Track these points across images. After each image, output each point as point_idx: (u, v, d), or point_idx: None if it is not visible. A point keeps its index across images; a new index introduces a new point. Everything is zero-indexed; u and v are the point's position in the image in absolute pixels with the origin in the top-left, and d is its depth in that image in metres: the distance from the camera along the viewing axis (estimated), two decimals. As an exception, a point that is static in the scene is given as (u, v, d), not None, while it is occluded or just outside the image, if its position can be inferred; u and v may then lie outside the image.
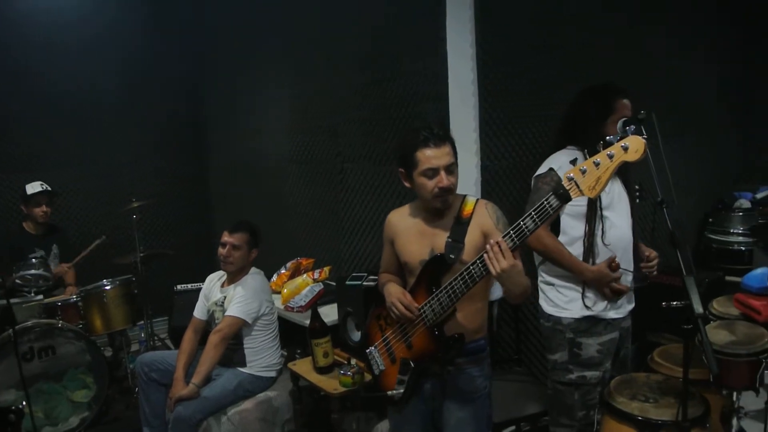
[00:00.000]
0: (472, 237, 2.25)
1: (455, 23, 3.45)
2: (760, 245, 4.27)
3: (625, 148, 1.81)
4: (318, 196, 4.67)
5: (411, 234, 2.36)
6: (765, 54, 5.15)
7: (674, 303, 2.04)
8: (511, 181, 3.54)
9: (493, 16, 3.46)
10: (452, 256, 2.22)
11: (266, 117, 5.25)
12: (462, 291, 2.11)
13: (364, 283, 3.42)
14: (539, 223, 1.95)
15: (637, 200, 2.80)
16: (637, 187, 2.81)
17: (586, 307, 2.63)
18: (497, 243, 1.97)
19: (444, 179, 2.19)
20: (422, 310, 2.22)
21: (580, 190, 1.85)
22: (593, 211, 2.60)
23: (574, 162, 2.52)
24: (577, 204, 2.58)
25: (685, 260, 1.99)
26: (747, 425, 3.03)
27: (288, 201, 5.05)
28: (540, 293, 2.80)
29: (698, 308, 1.90)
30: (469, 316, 2.28)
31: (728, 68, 5.16)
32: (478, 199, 2.34)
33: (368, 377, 2.73)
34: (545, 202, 1.92)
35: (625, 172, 2.70)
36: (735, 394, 2.51)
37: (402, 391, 2.28)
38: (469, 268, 2.07)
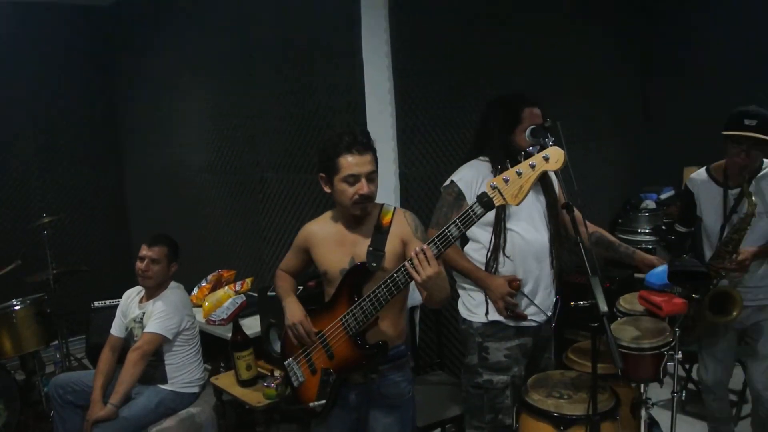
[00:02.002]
0: (392, 245, 2.29)
1: (370, 34, 3.49)
2: (662, 244, 4.53)
3: (546, 159, 1.90)
4: (238, 207, 4.62)
5: (330, 243, 2.37)
6: (660, 70, 5.48)
7: (581, 302, 2.14)
8: (428, 188, 3.61)
9: (407, 26, 3.53)
10: (374, 264, 2.25)
11: (184, 126, 5.16)
12: (386, 298, 2.13)
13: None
14: (464, 230, 2.01)
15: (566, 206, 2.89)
16: (555, 192, 2.89)
17: (488, 312, 2.70)
18: (422, 250, 2.01)
19: (365, 187, 2.22)
20: (344, 320, 2.23)
21: (504, 198, 1.92)
22: (499, 221, 2.66)
23: (474, 175, 2.61)
24: None
25: (590, 261, 2.09)
26: (657, 414, 3.20)
27: (208, 212, 4.96)
28: (459, 297, 2.86)
29: (603, 307, 1.99)
30: (389, 323, 2.32)
31: (633, 82, 5.45)
32: (395, 208, 2.38)
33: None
34: (470, 210, 1.98)
35: (542, 181, 2.76)
36: (642, 386, 2.63)
37: (323, 402, 2.29)
38: (393, 275, 2.10)
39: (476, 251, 2.73)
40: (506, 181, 1.90)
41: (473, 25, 3.84)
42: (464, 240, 2.76)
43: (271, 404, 3.13)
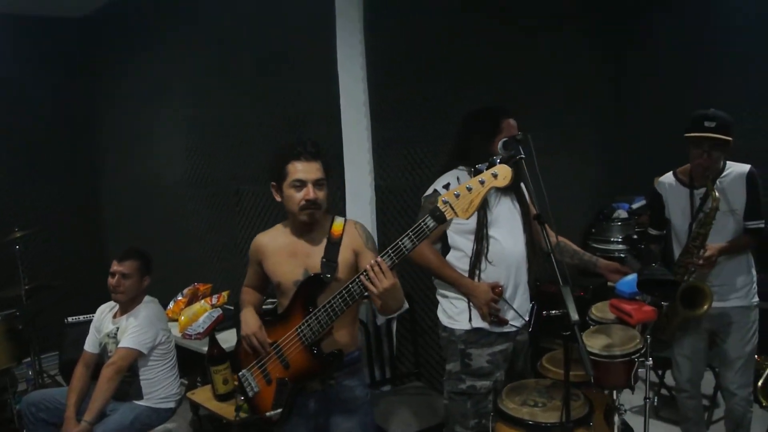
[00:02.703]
0: (344, 256, 2.35)
1: (346, 46, 3.53)
2: (632, 253, 4.59)
3: (495, 175, 1.97)
4: (214, 219, 4.61)
5: (282, 255, 2.41)
6: (633, 82, 5.59)
7: (553, 312, 2.18)
8: (404, 199, 3.63)
9: (382, 39, 3.56)
10: (328, 275, 2.30)
11: (160, 139, 5.14)
12: (341, 309, 2.18)
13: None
14: (416, 242, 2.06)
15: (538, 217, 2.94)
16: (528, 202, 2.94)
17: (471, 320, 2.73)
18: (377, 263, 2.06)
19: (311, 192, 2.28)
20: (300, 330, 2.27)
21: (455, 212, 1.98)
22: (480, 228, 2.71)
23: (447, 186, 2.64)
24: (464, 222, 2.70)
25: (560, 271, 2.13)
26: (631, 420, 3.25)
27: (184, 225, 4.94)
28: (438, 305, 2.89)
29: (574, 315, 2.04)
30: (343, 332, 2.37)
31: (607, 94, 5.55)
32: (346, 219, 2.44)
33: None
34: (422, 223, 2.03)
35: (518, 189, 2.82)
36: (615, 392, 2.67)
37: (280, 411, 2.32)
38: (348, 286, 2.15)
39: (458, 259, 2.77)
40: (457, 196, 1.97)
41: (448, 37, 3.89)
42: (446, 249, 2.80)
43: (248, 418, 3.12)
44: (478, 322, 2.72)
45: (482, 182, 1.96)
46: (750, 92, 4.82)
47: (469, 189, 1.96)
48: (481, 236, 2.71)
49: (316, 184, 2.31)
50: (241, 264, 4.34)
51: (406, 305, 3.56)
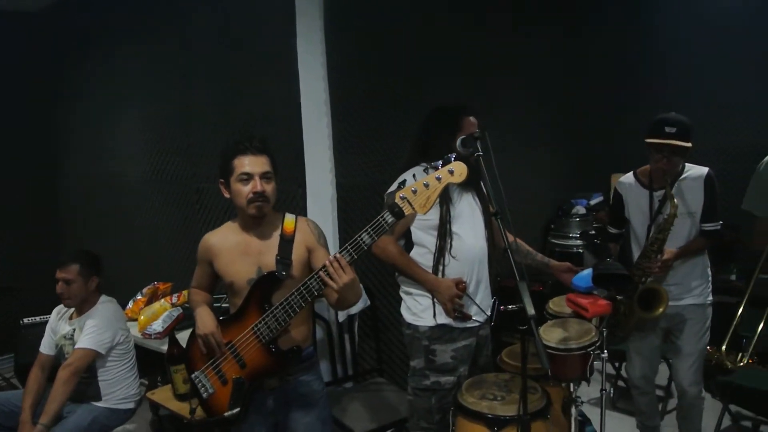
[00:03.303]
0: (298, 253, 2.36)
1: (306, 44, 3.53)
2: (590, 249, 4.70)
3: (451, 172, 2.01)
4: (175, 218, 4.55)
5: (234, 254, 2.40)
6: (589, 84, 5.71)
7: (510, 306, 2.22)
8: (366, 197, 3.65)
9: (343, 37, 3.57)
10: (283, 273, 2.31)
11: (119, 137, 5.05)
12: (300, 305, 2.19)
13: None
14: (375, 237, 2.08)
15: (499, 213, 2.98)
16: (487, 199, 2.98)
17: (436, 316, 2.76)
18: (336, 258, 2.08)
19: (258, 184, 2.28)
20: (256, 328, 2.27)
21: (413, 208, 2.01)
22: (444, 224, 2.75)
23: (403, 183, 2.66)
24: (427, 218, 2.73)
25: (517, 267, 2.17)
26: (589, 411, 3.33)
27: (144, 223, 4.87)
28: (402, 302, 2.91)
29: (530, 310, 2.07)
30: (299, 328, 2.38)
31: (565, 93, 5.64)
32: (297, 216, 2.45)
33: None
34: (381, 219, 2.06)
35: (478, 186, 2.86)
36: (572, 385, 2.73)
37: (238, 410, 2.32)
38: (306, 283, 2.16)
39: (422, 256, 2.80)
40: (415, 192, 2.00)
41: (409, 35, 3.92)
42: (409, 245, 2.83)
43: (206, 417, 3.09)
44: (443, 319, 2.76)
45: (439, 179, 2.00)
46: (703, 92, 4.97)
47: (426, 185, 2.00)
48: (444, 232, 2.75)
49: (263, 177, 2.31)
50: (202, 262, 4.30)
51: (368, 301, 3.58)
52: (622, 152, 5.48)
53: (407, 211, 2.02)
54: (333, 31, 3.53)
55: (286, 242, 2.36)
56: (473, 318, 2.80)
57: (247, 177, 2.29)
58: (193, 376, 2.46)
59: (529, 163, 5.15)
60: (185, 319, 3.87)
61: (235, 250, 2.40)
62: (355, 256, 2.10)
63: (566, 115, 5.70)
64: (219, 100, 4.02)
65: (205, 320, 2.38)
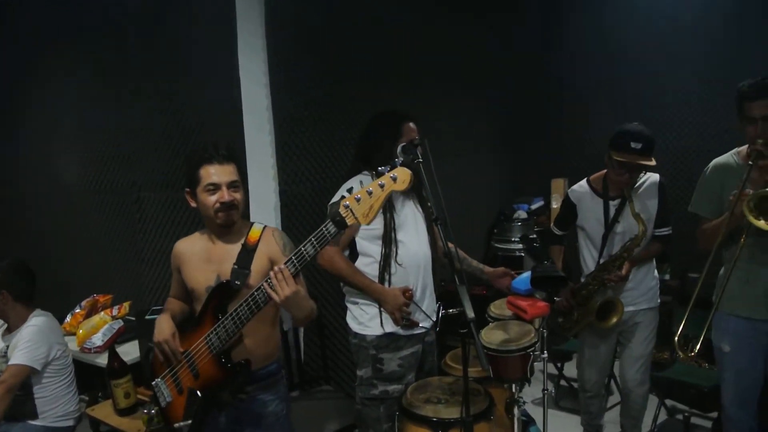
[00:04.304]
0: (258, 264, 2.31)
1: (248, 50, 3.51)
2: (530, 252, 4.81)
3: (394, 179, 1.98)
4: (114, 228, 4.44)
5: (197, 261, 2.38)
6: (531, 92, 5.83)
7: (451, 310, 2.25)
8: (310, 204, 3.65)
9: (284, 43, 3.57)
10: (238, 282, 2.26)
11: (57, 146, 4.89)
12: (247, 317, 2.14)
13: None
14: (318, 248, 2.04)
15: (438, 219, 3.01)
16: (428, 205, 3.02)
17: (383, 325, 2.78)
18: (280, 270, 2.04)
19: (225, 194, 2.26)
20: (208, 338, 2.23)
21: (356, 218, 1.98)
22: (388, 233, 2.77)
23: (350, 191, 2.67)
24: (372, 227, 2.75)
25: (457, 272, 2.21)
26: (533, 411, 3.39)
27: (83, 234, 4.73)
28: (348, 311, 2.92)
29: (470, 313, 2.10)
30: (258, 342, 2.33)
31: (506, 100, 5.75)
32: (265, 227, 2.41)
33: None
34: (324, 229, 2.02)
35: (419, 193, 2.90)
36: (514, 385, 2.78)
37: (189, 422, 2.26)
38: (253, 294, 2.12)
39: (367, 265, 2.80)
40: (358, 200, 1.97)
41: (352, 41, 3.93)
42: (354, 255, 2.83)
43: (161, 429, 3.04)
44: (390, 327, 2.78)
45: (382, 186, 1.98)
46: (648, 100, 5.16)
47: (370, 193, 1.97)
48: (389, 240, 2.76)
49: (231, 186, 2.28)
50: (142, 273, 4.22)
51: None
52: (562, 157, 5.66)
53: (350, 221, 1.98)
54: (275, 37, 3.52)
55: (248, 252, 2.32)
56: (420, 324, 2.82)
57: (214, 187, 2.26)
58: (153, 383, 2.41)
59: (473, 169, 5.23)
60: (126, 331, 3.79)
61: (199, 257, 2.37)
62: (300, 268, 2.06)
63: (508, 121, 5.81)
64: (158, 108, 3.95)
65: (161, 327, 2.33)
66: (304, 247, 2.05)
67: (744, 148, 2.67)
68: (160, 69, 3.93)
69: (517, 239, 5.18)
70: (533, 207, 5.47)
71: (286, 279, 2.04)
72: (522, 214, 5.39)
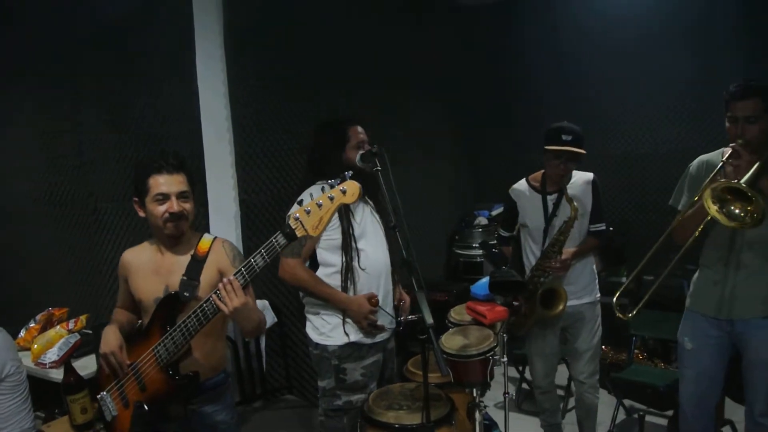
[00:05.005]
0: (208, 275, 2.29)
1: (206, 60, 3.50)
2: (488, 258, 4.88)
3: (344, 192, 2.00)
4: (70, 239, 4.35)
5: (145, 272, 2.34)
6: (490, 99, 5.93)
7: (410, 316, 2.27)
8: (270, 213, 3.64)
9: (243, 54, 3.56)
10: (186, 294, 2.23)
11: (10, 156, 4.78)
12: (195, 329, 2.12)
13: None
14: (268, 259, 2.04)
15: (397, 226, 3.04)
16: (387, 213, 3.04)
17: (347, 334, 2.78)
18: (229, 281, 2.03)
19: (174, 205, 2.22)
20: (156, 350, 2.20)
21: (305, 230, 1.99)
22: (348, 242, 2.77)
23: (300, 203, 2.68)
24: (332, 237, 2.76)
25: (416, 279, 2.23)
26: (495, 415, 3.44)
27: (35, 247, 4.62)
28: (307, 322, 2.91)
29: (429, 319, 2.13)
30: (206, 354, 2.31)
31: (468, 108, 5.83)
32: (215, 238, 2.38)
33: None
34: (273, 241, 2.02)
35: (377, 202, 2.91)
36: (475, 390, 2.81)
37: None
38: (202, 305, 2.10)
39: (329, 276, 2.80)
40: (308, 212, 1.98)
41: (310, 50, 3.94)
42: (314, 266, 2.82)
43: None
44: (354, 336, 2.78)
45: (331, 198, 1.99)
46: (589, 105, 5.28)
47: (319, 205, 1.98)
48: (349, 249, 2.77)
49: (180, 196, 2.25)
50: (100, 285, 4.14)
51: (275, 318, 3.56)
52: (522, 164, 5.73)
53: (300, 232, 1.99)
54: (233, 48, 3.51)
55: (197, 263, 2.29)
56: (387, 327, 2.83)
57: (163, 197, 2.23)
58: (99, 396, 2.35)
59: (436, 177, 5.29)
60: (83, 345, 3.71)
61: (147, 267, 2.34)
62: (249, 279, 2.06)
63: (468, 129, 5.89)
64: (116, 117, 3.90)
65: (109, 339, 2.28)
66: (253, 258, 2.04)
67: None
68: (117, 78, 3.88)
69: (478, 245, 5.24)
70: (494, 213, 5.54)
71: (235, 290, 2.02)
72: (483, 220, 5.45)
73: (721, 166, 2.60)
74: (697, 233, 2.63)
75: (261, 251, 2.03)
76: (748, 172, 2.47)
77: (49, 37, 4.26)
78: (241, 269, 2.05)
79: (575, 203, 3.16)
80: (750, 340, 2.66)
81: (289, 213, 2.77)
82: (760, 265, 2.62)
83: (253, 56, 3.61)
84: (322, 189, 2.70)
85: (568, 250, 3.22)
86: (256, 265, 2.04)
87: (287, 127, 3.77)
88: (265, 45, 3.68)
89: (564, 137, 3.12)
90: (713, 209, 2.41)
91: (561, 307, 3.20)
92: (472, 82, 5.88)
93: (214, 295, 2.05)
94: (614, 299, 2.76)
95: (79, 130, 4.14)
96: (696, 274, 2.87)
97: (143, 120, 3.75)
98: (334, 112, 3.32)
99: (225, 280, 2.03)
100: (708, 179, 2.62)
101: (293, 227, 1.99)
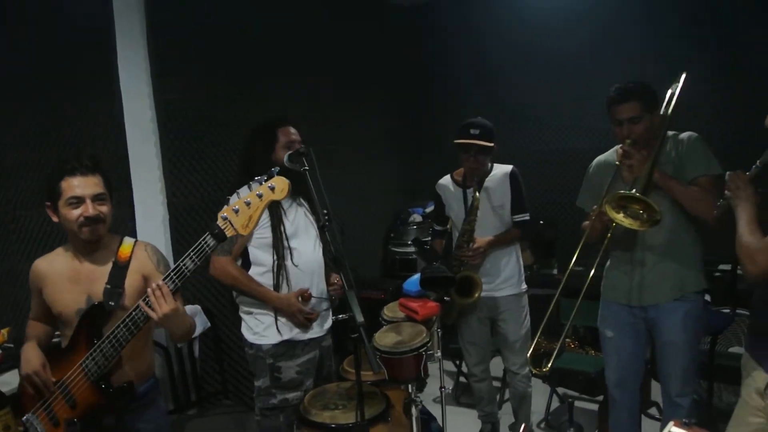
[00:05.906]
0: (132, 281, 2.20)
1: (127, 60, 3.41)
2: (421, 254, 4.94)
3: (272, 189, 1.97)
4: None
5: (62, 281, 2.21)
6: (423, 99, 6.00)
7: (341, 316, 2.27)
8: (200, 215, 3.57)
9: (167, 52, 3.48)
10: (112, 303, 2.15)
11: None
12: (126, 339, 2.05)
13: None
14: (198, 262, 2.00)
15: (326, 225, 3.02)
16: (324, 212, 3.03)
17: (280, 332, 2.77)
18: (159, 287, 1.97)
19: (90, 208, 2.11)
20: (84, 365, 2.11)
21: (235, 229, 1.95)
22: (279, 241, 2.76)
23: (228, 202, 2.64)
24: (262, 236, 2.74)
25: (346, 277, 2.23)
26: (433, 409, 3.47)
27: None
28: (242, 323, 2.88)
29: (359, 318, 2.13)
30: (135, 361, 2.24)
31: (402, 110, 5.87)
32: (136, 241, 2.30)
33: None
34: (203, 242, 1.98)
35: (309, 201, 2.88)
36: (410, 386, 2.84)
37: None
38: (131, 314, 2.03)
39: (261, 275, 2.78)
40: (236, 211, 1.95)
41: (236, 50, 3.89)
42: (246, 264, 2.79)
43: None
44: (287, 334, 2.77)
45: (260, 196, 1.96)
46: (522, 103, 5.40)
47: (248, 204, 1.95)
48: (281, 247, 2.75)
49: (96, 199, 2.13)
50: (21, 297, 3.97)
51: (208, 323, 3.50)
52: (454, 161, 5.80)
53: (229, 232, 1.96)
54: (156, 47, 3.42)
55: (119, 269, 2.19)
56: (323, 311, 2.85)
57: (77, 201, 2.10)
58: (24, 419, 2.22)
59: (371, 175, 5.30)
60: (5, 360, 3.54)
61: (64, 277, 2.20)
62: (179, 284, 2.00)
63: (402, 128, 5.93)
64: (35, 122, 3.74)
65: (30, 358, 2.17)
66: (183, 262, 1.99)
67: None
68: (37, 83, 3.73)
69: (410, 242, 5.28)
70: (428, 210, 5.60)
71: (164, 296, 1.96)
72: (417, 217, 5.51)
73: (618, 167, 2.72)
74: (609, 234, 2.74)
75: (190, 254, 1.98)
76: (642, 167, 2.60)
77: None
78: (170, 274, 1.99)
79: (477, 194, 3.24)
80: (662, 324, 2.79)
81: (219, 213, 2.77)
82: (660, 258, 2.75)
83: (177, 54, 3.53)
84: (249, 187, 2.69)
85: (483, 239, 3.29)
86: (186, 268, 1.99)
87: (216, 127, 3.71)
88: (191, 45, 3.61)
89: (472, 131, 3.21)
90: (619, 217, 2.56)
91: (476, 295, 3.29)
92: (405, 82, 5.92)
93: (142, 302, 1.98)
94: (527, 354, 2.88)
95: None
96: (607, 264, 2.98)
97: (63, 123, 3.61)
98: (264, 113, 3.28)
99: (154, 285, 1.97)
100: (608, 184, 2.75)
101: (222, 227, 1.95)
